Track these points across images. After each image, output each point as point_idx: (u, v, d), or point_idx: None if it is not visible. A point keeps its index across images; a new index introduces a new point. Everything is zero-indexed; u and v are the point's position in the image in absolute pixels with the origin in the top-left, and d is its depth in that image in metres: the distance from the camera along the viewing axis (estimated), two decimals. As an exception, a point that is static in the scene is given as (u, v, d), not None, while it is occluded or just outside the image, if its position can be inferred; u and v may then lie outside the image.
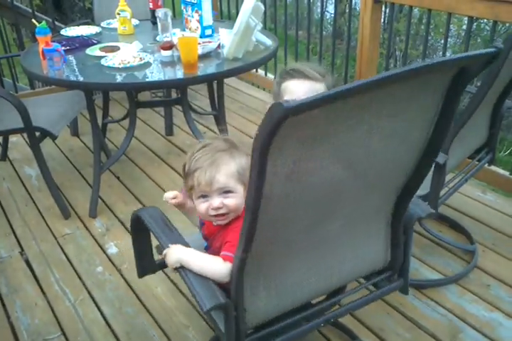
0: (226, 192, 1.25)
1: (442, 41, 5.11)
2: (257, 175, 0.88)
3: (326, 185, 1.03)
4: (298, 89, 1.53)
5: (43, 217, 2.51)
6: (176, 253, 1.20)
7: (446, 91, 1.04)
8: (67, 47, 2.47)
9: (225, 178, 1.24)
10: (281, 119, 0.80)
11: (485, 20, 7.31)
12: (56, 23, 3.78)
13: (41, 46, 2.30)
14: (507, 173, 2.56)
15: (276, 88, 1.59)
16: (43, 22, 2.39)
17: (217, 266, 1.16)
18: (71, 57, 2.40)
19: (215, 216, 1.28)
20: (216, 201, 1.26)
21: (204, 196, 1.28)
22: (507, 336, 1.76)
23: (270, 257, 1.14)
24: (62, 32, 2.81)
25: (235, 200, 1.25)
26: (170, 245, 1.23)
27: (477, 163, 2.03)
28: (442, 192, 1.80)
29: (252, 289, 1.15)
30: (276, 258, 1.15)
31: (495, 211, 2.44)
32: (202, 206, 1.28)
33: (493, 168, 2.57)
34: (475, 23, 7.34)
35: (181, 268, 1.18)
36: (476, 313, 1.86)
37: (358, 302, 1.37)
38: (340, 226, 1.19)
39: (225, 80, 2.93)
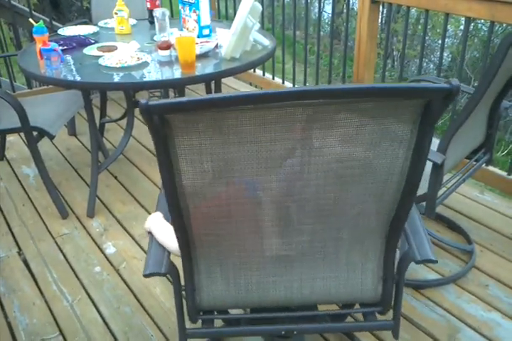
0: None
1: (440, 41, 5.12)
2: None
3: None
4: None
5: (40, 217, 2.51)
6: (149, 221, 1.35)
7: (417, 126, 0.96)
8: (65, 47, 2.46)
9: None
10: (150, 115, 0.89)
11: (482, 20, 7.32)
12: (53, 22, 3.77)
13: (38, 45, 2.29)
14: (504, 173, 2.57)
15: None
16: (41, 21, 2.38)
17: (171, 244, 1.22)
18: (68, 57, 2.39)
19: None
20: None
21: None
22: (505, 336, 1.77)
23: (217, 249, 1.20)
24: (60, 31, 2.80)
25: None
26: (154, 212, 1.36)
27: (475, 163, 2.04)
28: (440, 193, 1.81)
29: (209, 273, 1.24)
30: (224, 252, 1.21)
31: (492, 211, 2.45)
32: None
33: (490, 168, 2.58)
34: (472, 24, 7.35)
35: (150, 234, 1.30)
36: (474, 313, 1.87)
37: (335, 326, 1.34)
38: (307, 242, 1.18)
39: (223, 80, 2.93)
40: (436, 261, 1.16)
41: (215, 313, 1.35)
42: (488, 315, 1.86)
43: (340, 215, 1.14)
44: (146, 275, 1.20)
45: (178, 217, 1.10)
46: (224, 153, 0.99)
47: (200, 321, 1.33)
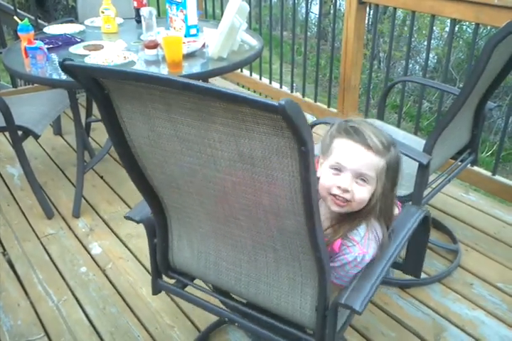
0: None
1: (425, 43, 5.17)
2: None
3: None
4: (351, 155, 1.17)
5: (25, 217, 2.48)
6: None
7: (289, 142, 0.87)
8: (50, 46, 2.44)
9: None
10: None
11: (467, 22, 7.40)
12: (39, 20, 3.73)
13: (23, 44, 2.27)
14: (489, 174, 2.60)
15: (328, 140, 1.24)
16: (26, 19, 2.36)
17: None
18: (54, 56, 2.37)
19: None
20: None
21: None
22: (489, 334, 1.79)
23: (181, 217, 1.26)
24: (45, 30, 2.78)
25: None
26: None
27: (460, 163, 2.06)
28: (425, 193, 1.82)
29: (178, 236, 1.32)
30: (188, 223, 1.26)
31: (477, 211, 2.47)
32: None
33: (475, 168, 2.61)
34: (457, 26, 7.43)
35: None
36: (459, 312, 1.89)
37: (270, 336, 1.24)
38: (249, 239, 1.14)
39: (210, 80, 2.92)
40: (359, 313, 1.06)
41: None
42: (473, 314, 1.88)
43: (261, 220, 1.06)
44: (125, 217, 1.36)
45: (138, 177, 1.19)
46: (150, 124, 1.03)
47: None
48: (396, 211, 1.61)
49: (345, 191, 1.16)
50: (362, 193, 1.17)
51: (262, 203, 1.01)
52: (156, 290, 1.44)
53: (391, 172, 1.20)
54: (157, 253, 1.36)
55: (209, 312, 1.39)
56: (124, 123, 1.08)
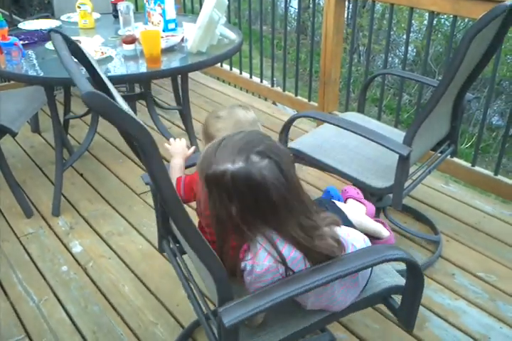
0: None
1: (404, 36, 5.19)
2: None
3: None
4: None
5: (4, 216, 2.44)
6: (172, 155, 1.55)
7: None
8: (26, 42, 2.40)
9: None
10: None
11: (445, 16, 7.46)
12: (14, 16, 3.66)
13: (-3, 40, 2.22)
14: (468, 165, 2.62)
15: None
16: (-1, 15, 2.31)
17: None
18: (30, 52, 2.33)
19: None
20: None
21: None
22: (471, 322, 1.81)
23: None
24: (20, 25, 2.73)
25: None
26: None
27: (440, 155, 2.08)
28: (406, 184, 1.83)
29: None
30: None
31: (457, 201, 2.50)
32: None
33: (455, 159, 2.63)
34: (436, 19, 7.48)
35: None
36: (441, 302, 1.90)
37: None
38: None
39: (190, 75, 2.90)
40: (225, 326, 1.04)
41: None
42: (455, 304, 1.90)
43: None
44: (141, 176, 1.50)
45: None
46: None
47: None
48: (362, 207, 1.61)
49: None
50: None
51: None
52: (160, 250, 1.61)
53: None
54: (160, 217, 1.49)
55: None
56: None
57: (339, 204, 1.48)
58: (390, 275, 1.37)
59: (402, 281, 1.32)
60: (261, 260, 1.11)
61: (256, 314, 1.07)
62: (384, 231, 1.52)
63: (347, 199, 1.64)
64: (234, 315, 1.04)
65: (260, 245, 1.12)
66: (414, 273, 1.26)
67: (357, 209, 1.58)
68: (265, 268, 1.11)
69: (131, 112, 0.88)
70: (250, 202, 1.07)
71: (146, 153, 0.89)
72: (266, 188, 1.05)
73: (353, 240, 1.24)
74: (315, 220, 1.14)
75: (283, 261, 1.11)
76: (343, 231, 1.23)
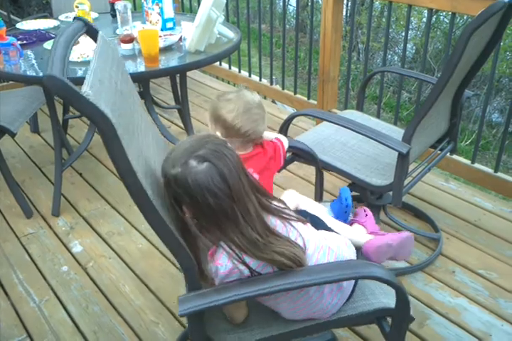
0: None
1: (403, 33, 5.19)
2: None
3: None
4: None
5: (4, 217, 2.44)
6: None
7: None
8: (24, 42, 2.40)
9: None
10: None
11: (444, 13, 7.45)
12: (12, 16, 3.66)
13: (-5, 40, 2.22)
14: (468, 162, 2.62)
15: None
16: (-3, 15, 2.31)
17: None
18: (29, 52, 2.33)
19: None
20: None
21: None
22: (472, 320, 1.81)
23: None
24: (18, 25, 2.72)
25: None
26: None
27: (439, 152, 2.07)
28: (406, 182, 1.83)
29: None
30: None
31: (457, 199, 2.50)
32: None
33: (455, 157, 2.63)
34: (434, 16, 7.46)
35: None
36: (442, 299, 1.90)
37: None
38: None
39: (189, 74, 2.90)
40: (180, 315, 1.09)
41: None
42: (456, 301, 1.90)
43: None
44: None
45: None
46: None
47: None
48: (362, 215, 1.59)
49: None
50: None
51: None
52: None
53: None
54: None
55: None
56: None
57: (329, 222, 1.43)
58: (388, 297, 1.30)
59: (394, 304, 1.25)
60: (224, 261, 1.11)
61: (211, 307, 1.07)
62: (361, 238, 1.44)
63: (352, 224, 1.57)
64: (189, 305, 1.06)
65: (222, 248, 1.12)
66: (398, 296, 1.20)
67: (352, 229, 1.53)
68: (228, 269, 1.11)
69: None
70: (196, 207, 1.07)
71: (107, 139, 0.91)
72: (201, 193, 1.04)
73: (331, 243, 1.26)
74: (262, 236, 1.10)
75: (244, 263, 1.11)
76: (320, 235, 1.25)
